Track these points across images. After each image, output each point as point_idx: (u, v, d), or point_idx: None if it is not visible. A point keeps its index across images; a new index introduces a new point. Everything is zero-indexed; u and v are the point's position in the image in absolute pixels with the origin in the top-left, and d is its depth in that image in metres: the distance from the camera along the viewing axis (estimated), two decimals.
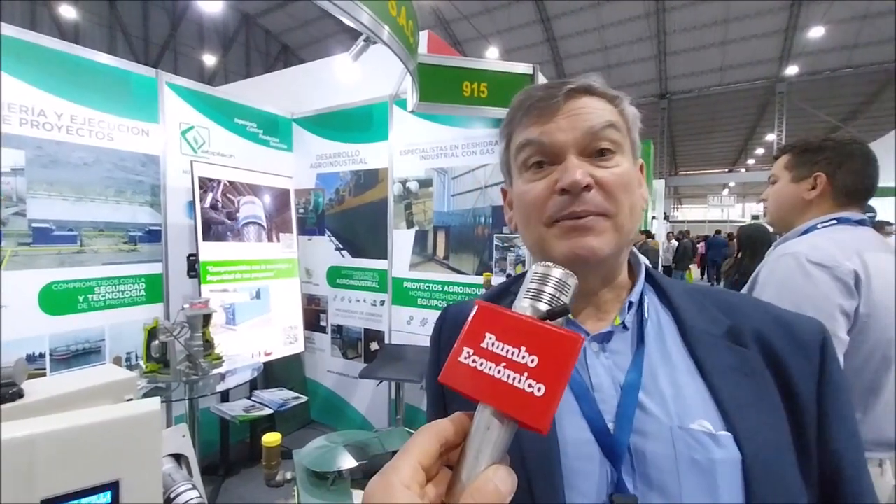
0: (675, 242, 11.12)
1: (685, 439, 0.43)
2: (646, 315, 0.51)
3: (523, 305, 0.32)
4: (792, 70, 14.36)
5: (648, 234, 8.64)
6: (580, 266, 0.47)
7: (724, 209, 24.97)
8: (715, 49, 14.19)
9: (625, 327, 0.51)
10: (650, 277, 0.57)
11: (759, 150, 21.96)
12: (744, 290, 1.18)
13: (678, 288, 0.56)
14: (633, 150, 0.53)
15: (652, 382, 0.47)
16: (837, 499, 0.45)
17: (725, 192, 26.00)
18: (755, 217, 17.07)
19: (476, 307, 0.33)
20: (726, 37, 13.55)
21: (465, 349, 0.31)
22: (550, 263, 0.33)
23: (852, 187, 1.13)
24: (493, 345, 0.30)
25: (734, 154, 24.41)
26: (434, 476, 0.29)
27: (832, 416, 0.45)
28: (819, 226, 1.14)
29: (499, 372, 0.29)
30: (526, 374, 0.28)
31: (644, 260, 0.58)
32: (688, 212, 33.28)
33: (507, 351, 0.29)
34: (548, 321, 0.30)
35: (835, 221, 1.12)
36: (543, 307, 0.31)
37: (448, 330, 0.63)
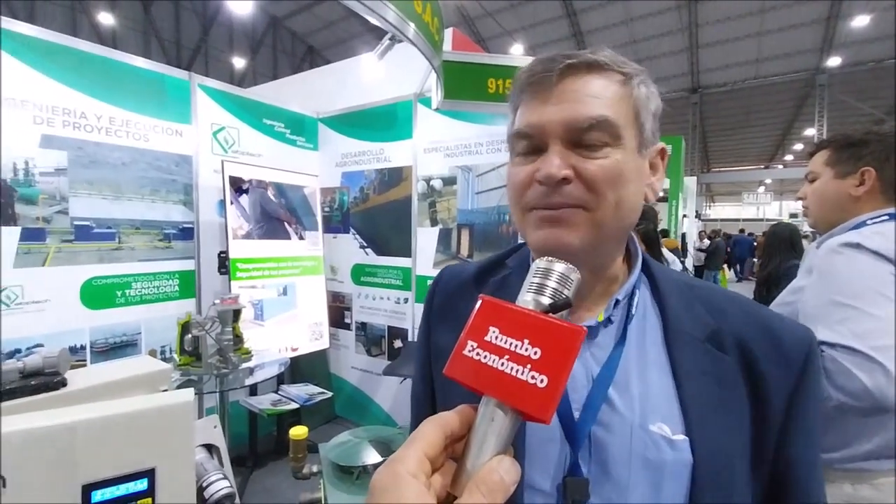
0: (707, 241, 10.77)
1: (643, 438, 0.45)
2: (632, 311, 0.51)
3: (526, 299, 0.32)
4: (834, 61, 13.67)
5: (664, 234, 7.93)
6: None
7: (760, 207, 24.01)
8: (750, 40, 13.62)
9: (610, 321, 0.51)
10: (647, 268, 0.56)
11: (798, 146, 21.03)
12: (786, 288, 1.13)
13: (671, 283, 0.55)
14: (639, 138, 0.48)
15: (623, 379, 0.48)
16: (782, 498, 0.47)
17: (761, 189, 25.01)
18: (793, 215, 16.36)
19: (480, 301, 0.33)
20: (762, 27, 12.98)
21: (470, 342, 0.31)
22: (553, 258, 0.34)
23: None
24: (496, 338, 0.31)
25: (771, 150, 23.43)
26: (440, 467, 0.29)
27: (795, 425, 0.47)
28: (869, 221, 1.09)
29: (502, 364, 0.30)
30: (529, 366, 0.29)
31: (641, 249, 0.57)
32: (721, 210, 32.21)
33: (511, 344, 0.30)
34: (550, 314, 0.31)
35: (886, 217, 1.07)
36: (546, 301, 0.32)
37: (441, 294, 0.64)
